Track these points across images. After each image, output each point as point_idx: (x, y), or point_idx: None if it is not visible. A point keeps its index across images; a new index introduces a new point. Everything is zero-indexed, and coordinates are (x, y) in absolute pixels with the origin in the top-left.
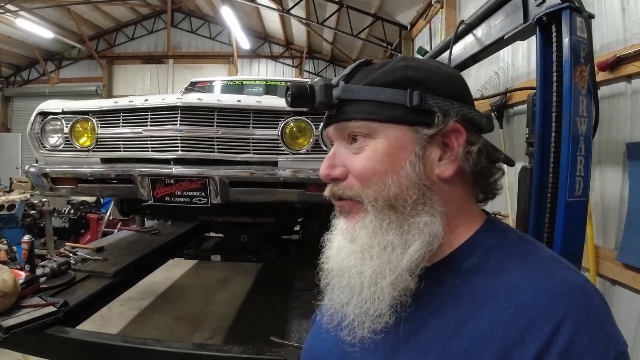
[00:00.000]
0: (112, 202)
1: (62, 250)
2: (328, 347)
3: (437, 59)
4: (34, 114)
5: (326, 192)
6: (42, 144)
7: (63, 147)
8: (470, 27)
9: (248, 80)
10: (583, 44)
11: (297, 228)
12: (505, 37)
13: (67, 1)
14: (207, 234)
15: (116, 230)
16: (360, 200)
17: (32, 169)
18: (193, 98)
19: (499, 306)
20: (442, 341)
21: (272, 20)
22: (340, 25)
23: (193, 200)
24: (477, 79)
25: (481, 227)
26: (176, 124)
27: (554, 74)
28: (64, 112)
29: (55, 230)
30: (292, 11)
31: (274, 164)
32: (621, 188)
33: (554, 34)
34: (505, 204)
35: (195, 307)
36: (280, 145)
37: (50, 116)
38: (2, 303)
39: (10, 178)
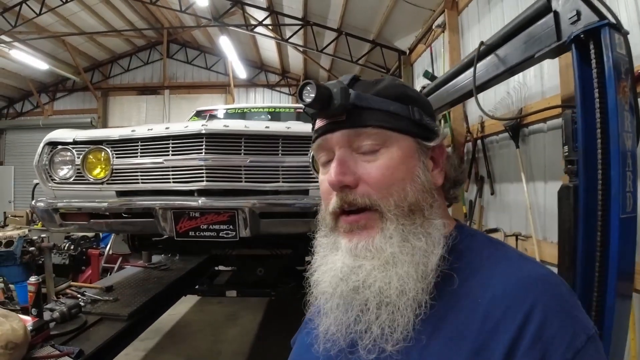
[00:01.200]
0: (112, 237)
1: (68, 290)
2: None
3: (455, 80)
4: (42, 144)
5: (334, 203)
6: (50, 176)
7: (74, 180)
8: (491, 48)
9: (254, 108)
10: (623, 60)
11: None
12: (536, 56)
13: (62, 32)
14: (216, 268)
15: (116, 265)
16: (379, 209)
17: (41, 204)
18: (219, 125)
19: (473, 302)
20: (423, 341)
21: (269, 49)
22: (338, 52)
23: (220, 234)
24: (486, 99)
25: (453, 231)
26: (201, 153)
27: (596, 90)
28: (75, 142)
29: (54, 267)
30: (290, 40)
31: (305, 192)
32: None
33: (592, 51)
34: (524, 224)
35: (205, 345)
36: (311, 172)
37: (60, 146)
38: (12, 355)
39: (5, 212)
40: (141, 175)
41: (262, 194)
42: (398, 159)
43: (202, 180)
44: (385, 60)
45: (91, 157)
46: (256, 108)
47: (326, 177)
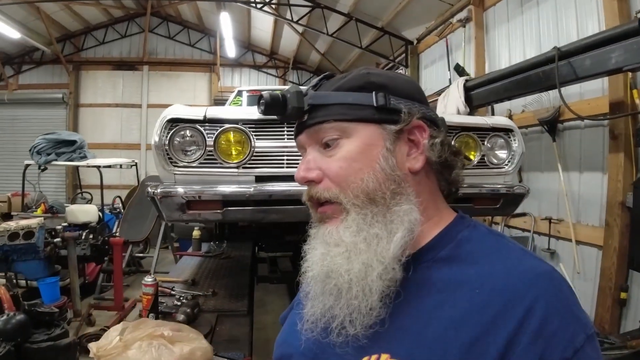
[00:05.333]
0: (118, 222)
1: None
2: (303, 343)
3: (523, 76)
4: (162, 121)
5: (304, 197)
6: (170, 158)
7: (200, 163)
8: (566, 54)
9: None
10: None
11: None
12: (624, 69)
13: None
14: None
15: (127, 254)
16: (339, 201)
17: (177, 189)
18: None
19: (471, 292)
20: (417, 328)
21: (262, 29)
22: (340, 37)
23: None
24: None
25: (453, 221)
26: None
27: None
28: (206, 120)
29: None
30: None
31: None
32: None
33: None
34: (555, 209)
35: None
36: None
37: (184, 124)
38: None
39: None
40: (287, 159)
41: None
42: (357, 149)
43: None
44: (386, 48)
45: (225, 138)
46: None
47: None
